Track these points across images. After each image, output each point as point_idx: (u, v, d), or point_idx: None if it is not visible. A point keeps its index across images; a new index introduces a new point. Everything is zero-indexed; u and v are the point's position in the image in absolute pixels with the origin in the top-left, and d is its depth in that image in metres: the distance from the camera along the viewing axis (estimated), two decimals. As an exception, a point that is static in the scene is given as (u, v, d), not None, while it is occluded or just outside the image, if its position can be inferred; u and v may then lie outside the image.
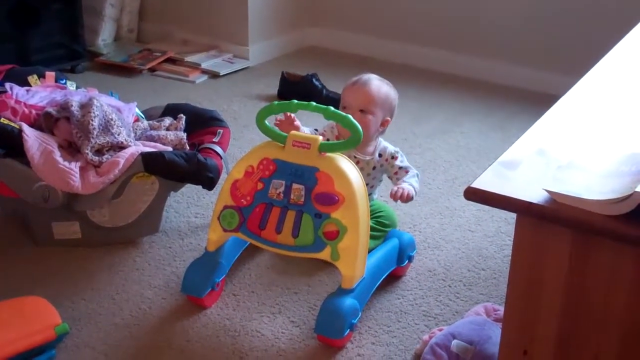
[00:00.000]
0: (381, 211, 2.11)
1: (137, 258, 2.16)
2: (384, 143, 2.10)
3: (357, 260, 1.79)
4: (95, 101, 2.16)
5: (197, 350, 1.81)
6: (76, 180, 2.03)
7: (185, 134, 2.31)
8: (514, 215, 1.12)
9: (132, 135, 2.22)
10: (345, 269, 1.79)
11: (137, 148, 2.12)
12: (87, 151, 2.09)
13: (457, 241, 2.30)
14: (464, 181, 2.66)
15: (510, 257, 1.16)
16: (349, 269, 1.79)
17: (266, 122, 1.86)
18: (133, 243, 2.22)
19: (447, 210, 2.48)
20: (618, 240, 1.03)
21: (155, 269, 2.12)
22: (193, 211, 2.42)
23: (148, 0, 4.07)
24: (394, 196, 1.94)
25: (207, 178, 2.14)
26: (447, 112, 3.32)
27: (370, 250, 1.90)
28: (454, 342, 1.69)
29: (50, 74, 2.53)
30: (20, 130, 2.08)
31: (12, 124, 2.09)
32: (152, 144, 2.20)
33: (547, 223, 1.08)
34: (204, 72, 3.70)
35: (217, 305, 1.96)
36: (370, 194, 2.06)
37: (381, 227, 2.07)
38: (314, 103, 1.83)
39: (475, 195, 1.11)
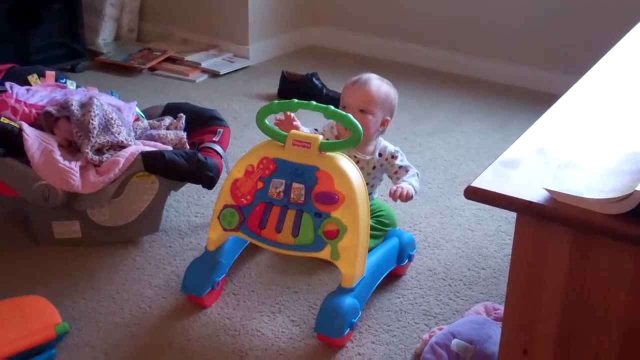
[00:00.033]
0: (381, 210, 2.11)
1: (137, 257, 2.16)
2: (384, 142, 2.10)
3: (357, 260, 1.79)
4: (95, 100, 2.16)
5: (197, 349, 1.81)
6: (76, 180, 2.03)
7: (186, 133, 2.31)
8: (514, 215, 1.11)
9: (132, 134, 2.22)
10: (345, 268, 1.79)
11: (137, 147, 2.12)
12: (87, 150, 2.09)
13: (457, 240, 2.30)
14: (464, 180, 2.66)
15: (510, 256, 1.16)
16: (349, 268, 1.79)
17: (266, 121, 1.86)
18: (133, 242, 2.22)
19: (447, 209, 2.48)
20: (618, 239, 1.03)
21: (155, 268, 2.12)
22: (193, 210, 2.42)
23: (148, -1, 4.09)
24: (394, 195, 1.94)
25: (207, 177, 2.14)
26: (447, 111, 3.32)
27: (370, 250, 1.90)
28: (454, 341, 1.69)
29: (51, 73, 2.52)
30: (21, 130, 2.08)
31: (12, 123, 2.09)
32: (152, 143, 2.20)
33: (547, 222, 1.07)
34: (204, 71, 3.70)
35: (217, 304, 1.96)
36: (370, 194, 2.06)
37: (381, 227, 2.07)
38: (314, 102, 1.83)
39: (475, 194, 1.11)
